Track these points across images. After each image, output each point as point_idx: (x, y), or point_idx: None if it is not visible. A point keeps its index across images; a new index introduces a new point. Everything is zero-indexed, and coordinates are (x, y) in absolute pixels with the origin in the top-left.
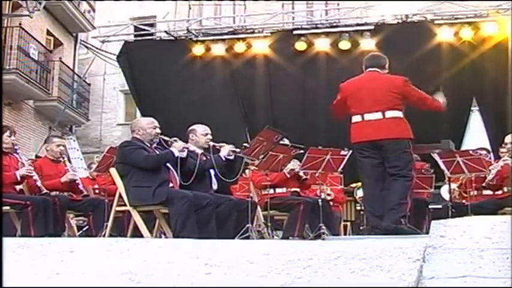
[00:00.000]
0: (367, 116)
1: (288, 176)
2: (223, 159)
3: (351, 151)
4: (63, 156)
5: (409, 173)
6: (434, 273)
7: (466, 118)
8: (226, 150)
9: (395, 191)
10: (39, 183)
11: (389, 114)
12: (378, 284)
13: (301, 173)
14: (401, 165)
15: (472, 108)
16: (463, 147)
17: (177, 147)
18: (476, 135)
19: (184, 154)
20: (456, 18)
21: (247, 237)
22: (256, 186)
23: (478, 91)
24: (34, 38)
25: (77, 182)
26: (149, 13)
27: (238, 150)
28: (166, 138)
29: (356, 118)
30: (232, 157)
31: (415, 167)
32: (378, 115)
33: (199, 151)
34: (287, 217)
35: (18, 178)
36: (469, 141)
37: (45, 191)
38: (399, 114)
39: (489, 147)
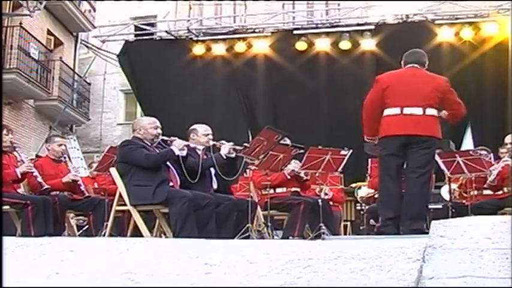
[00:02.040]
0: (407, 110)
1: (289, 177)
2: (224, 157)
3: (351, 151)
4: (65, 156)
5: (430, 173)
6: (434, 273)
7: (467, 118)
8: (226, 148)
9: (419, 195)
10: (39, 179)
11: (429, 111)
12: (377, 284)
13: (301, 174)
14: (426, 165)
15: None
16: (463, 148)
17: (177, 146)
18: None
19: (184, 152)
20: (457, 18)
21: (247, 237)
22: (256, 186)
23: (478, 91)
24: (34, 38)
25: (78, 182)
26: (150, 13)
27: (238, 148)
28: (165, 138)
29: (393, 111)
30: (233, 155)
31: None
32: (418, 110)
33: (200, 147)
34: (287, 217)
35: (19, 175)
36: (470, 142)
37: (46, 186)
38: (436, 113)
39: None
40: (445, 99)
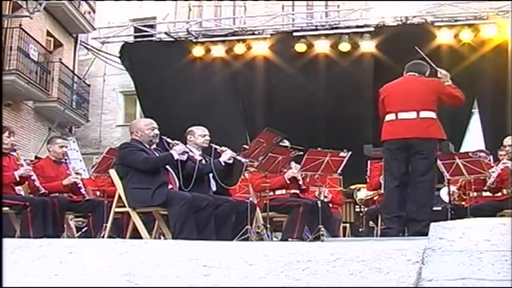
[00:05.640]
0: (401, 115)
1: (288, 182)
2: (223, 163)
3: (350, 153)
4: (66, 157)
5: (432, 177)
6: (433, 275)
7: (467, 120)
8: (227, 155)
9: (423, 198)
10: (37, 183)
11: (424, 114)
12: (376, 285)
13: (300, 182)
14: (426, 173)
15: (473, 110)
16: (463, 149)
17: (177, 151)
18: (476, 137)
19: (184, 157)
20: (456, 20)
21: (246, 239)
22: (255, 189)
23: (478, 93)
24: (34, 39)
25: (79, 185)
26: (149, 14)
27: (239, 158)
28: (169, 140)
29: (390, 117)
30: (231, 161)
31: None
32: (412, 114)
33: (197, 154)
34: (286, 219)
35: (17, 178)
36: (469, 143)
37: (43, 190)
38: (433, 115)
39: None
40: (443, 96)
